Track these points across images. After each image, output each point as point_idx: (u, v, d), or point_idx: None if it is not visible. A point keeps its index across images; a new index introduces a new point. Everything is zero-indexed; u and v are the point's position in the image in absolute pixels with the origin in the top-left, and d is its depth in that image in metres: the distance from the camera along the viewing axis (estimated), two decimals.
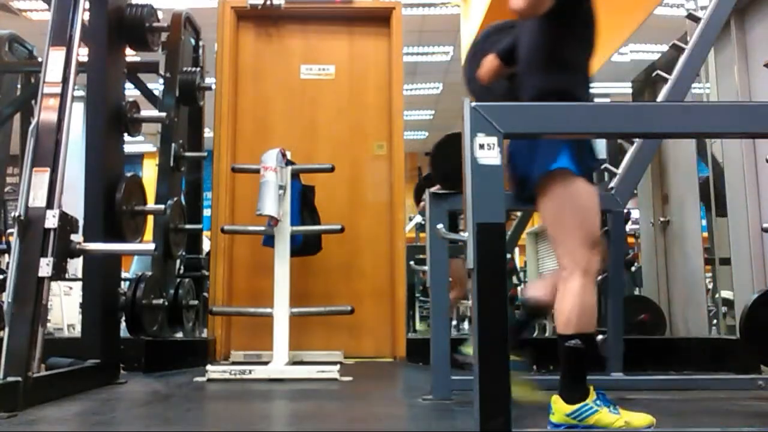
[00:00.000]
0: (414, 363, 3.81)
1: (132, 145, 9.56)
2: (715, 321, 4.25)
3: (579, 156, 1.93)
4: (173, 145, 3.89)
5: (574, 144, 1.94)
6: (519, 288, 7.29)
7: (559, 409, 1.83)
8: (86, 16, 2.96)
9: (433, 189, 2.62)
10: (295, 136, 4.33)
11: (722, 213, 4.04)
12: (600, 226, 1.98)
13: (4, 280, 2.83)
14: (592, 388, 1.85)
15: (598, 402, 1.83)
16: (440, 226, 1.60)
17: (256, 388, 2.98)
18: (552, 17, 1.96)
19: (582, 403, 1.82)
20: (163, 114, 3.76)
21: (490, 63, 2.33)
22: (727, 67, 3.96)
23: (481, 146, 1.41)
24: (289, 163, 3.59)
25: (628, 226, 5.16)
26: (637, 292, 5.05)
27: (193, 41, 4.33)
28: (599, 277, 3.27)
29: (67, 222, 2.53)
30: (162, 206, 3.50)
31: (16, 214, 2.46)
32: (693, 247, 4.36)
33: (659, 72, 3.10)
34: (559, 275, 2.02)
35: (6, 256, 4.05)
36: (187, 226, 4.02)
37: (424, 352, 2.66)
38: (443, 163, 2.67)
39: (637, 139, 2.96)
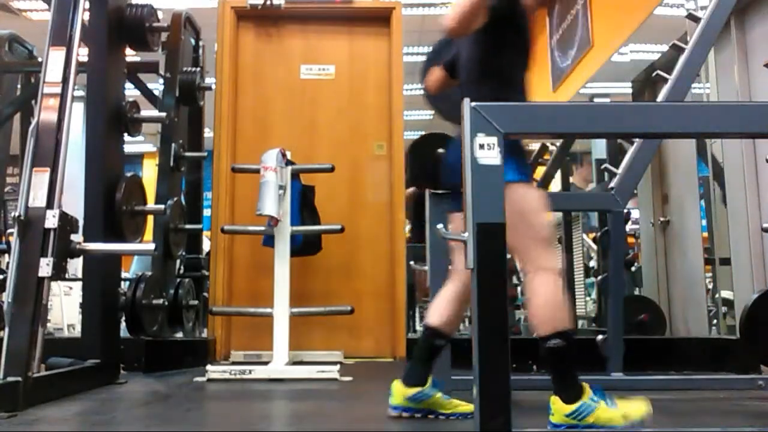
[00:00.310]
0: None
1: (132, 145, 9.55)
2: (715, 321, 4.24)
3: (523, 166, 1.97)
4: (173, 145, 3.89)
5: (516, 155, 1.97)
6: (519, 288, 7.28)
7: (559, 409, 1.83)
8: (86, 16, 2.96)
9: (410, 190, 2.62)
10: (295, 136, 4.33)
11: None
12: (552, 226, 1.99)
13: (4, 280, 2.83)
14: (586, 384, 1.85)
15: (594, 398, 1.83)
16: (440, 226, 1.60)
17: (256, 388, 2.98)
18: (487, 31, 2.03)
19: (580, 402, 1.82)
20: (163, 114, 3.76)
21: (435, 74, 2.38)
22: (727, 67, 3.96)
23: (481, 146, 1.41)
24: (289, 163, 3.59)
25: (628, 226, 5.16)
26: (637, 292, 5.05)
27: (193, 41, 4.33)
28: (599, 277, 3.29)
29: (67, 222, 2.53)
30: (162, 206, 3.50)
31: (16, 214, 2.46)
32: (693, 247, 4.36)
33: (659, 72, 3.10)
34: (450, 290, 2.09)
35: (6, 256, 4.05)
36: (187, 226, 4.02)
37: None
38: (418, 163, 2.67)
39: (637, 139, 2.96)
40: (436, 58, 2.42)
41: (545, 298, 1.89)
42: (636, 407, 1.84)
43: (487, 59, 2.08)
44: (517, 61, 2.12)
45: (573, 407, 1.82)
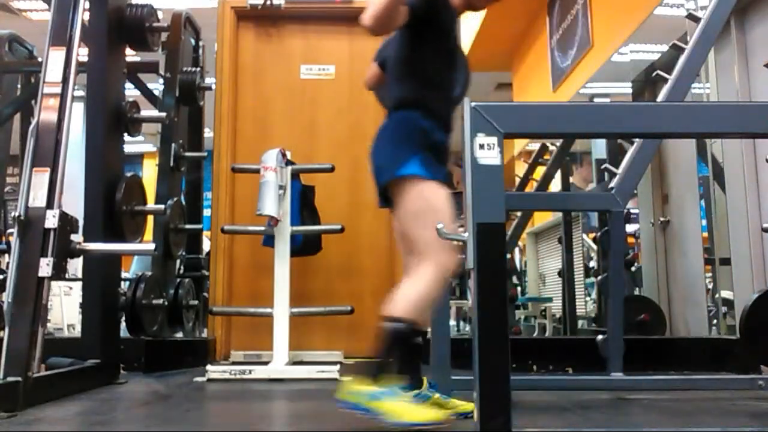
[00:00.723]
0: None
1: (132, 145, 9.54)
2: (715, 321, 4.24)
3: (427, 164, 1.97)
4: (173, 145, 3.89)
5: (425, 151, 1.97)
6: (518, 288, 7.29)
7: (356, 389, 1.85)
8: (86, 16, 2.97)
9: None
10: (295, 136, 4.33)
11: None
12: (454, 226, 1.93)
13: (4, 280, 2.83)
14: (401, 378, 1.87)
15: (398, 391, 1.83)
16: (440, 225, 1.60)
17: (256, 388, 2.98)
18: (410, 31, 2.05)
19: (380, 387, 1.82)
20: (163, 114, 3.76)
21: (371, 71, 2.43)
22: (727, 67, 3.96)
23: (481, 146, 1.41)
24: (289, 163, 3.59)
25: (628, 227, 5.15)
26: (637, 292, 5.05)
27: (193, 41, 4.34)
28: (599, 277, 3.29)
29: (67, 222, 2.53)
30: (162, 206, 3.51)
31: (16, 214, 2.46)
32: (693, 247, 4.36)
33: (659, 72, 3.10)
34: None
35: (6, 256, 4.05)
36: (187, 226, 4.02)
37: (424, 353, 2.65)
38: None
39: (637, 139, 2.96)
40: (378, 55, 2.43)
41: (424, 289, 1.88)
42: (431, 414, 1.80)
43: (409, 58, 2.11)
44: (439, 61, 2.12)
45: (373, 388, 1.81)
